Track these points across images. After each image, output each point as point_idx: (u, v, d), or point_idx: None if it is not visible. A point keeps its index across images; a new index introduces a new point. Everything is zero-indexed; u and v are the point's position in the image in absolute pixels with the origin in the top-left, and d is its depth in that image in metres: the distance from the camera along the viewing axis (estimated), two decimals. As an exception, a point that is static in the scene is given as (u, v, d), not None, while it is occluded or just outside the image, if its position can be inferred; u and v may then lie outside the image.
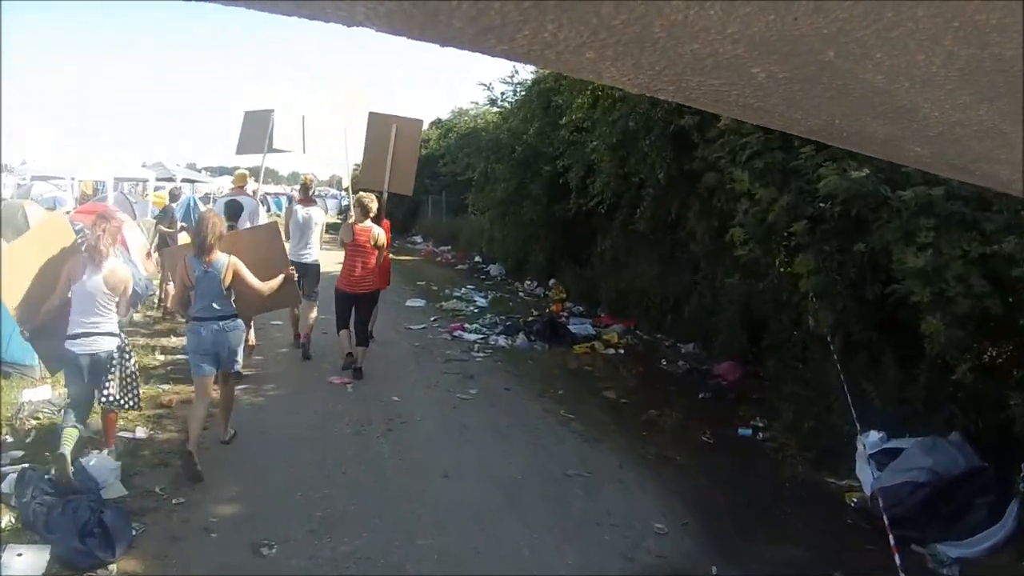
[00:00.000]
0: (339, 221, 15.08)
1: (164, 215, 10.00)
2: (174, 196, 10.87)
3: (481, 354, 8.01)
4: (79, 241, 4.47)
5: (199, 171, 40.28)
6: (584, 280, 11.12)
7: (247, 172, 9.08)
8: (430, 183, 22.17)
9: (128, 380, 4.38)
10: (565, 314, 10.15)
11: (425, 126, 24.50)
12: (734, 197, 6.00)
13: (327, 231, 8.88)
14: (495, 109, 16.02)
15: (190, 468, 4.31)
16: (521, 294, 12.47)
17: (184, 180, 21.60)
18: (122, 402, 4.36)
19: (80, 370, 4.08)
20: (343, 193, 35.16)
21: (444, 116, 25.02)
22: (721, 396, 6.69)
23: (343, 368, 6.87)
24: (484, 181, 13.61)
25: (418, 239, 23.06)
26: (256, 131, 9.24)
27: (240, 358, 4.63)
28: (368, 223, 6.62)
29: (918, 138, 0.92)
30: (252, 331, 5.72)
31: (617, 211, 9.14)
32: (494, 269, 14.82)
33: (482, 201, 14.28)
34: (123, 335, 4.42)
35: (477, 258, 16.65)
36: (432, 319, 9.80)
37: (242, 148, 9.57)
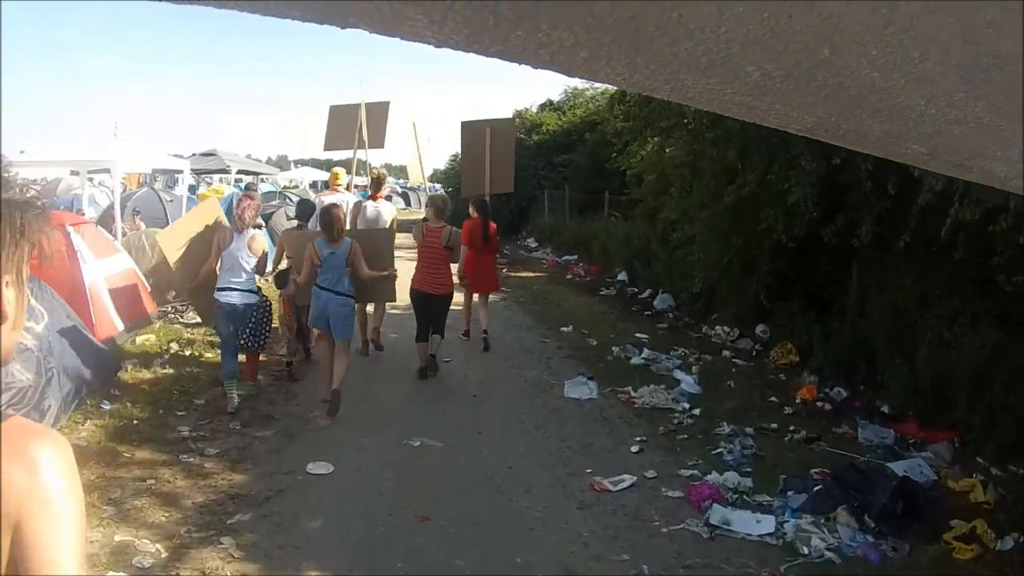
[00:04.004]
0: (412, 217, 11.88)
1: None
2: (250, 188, 9.00)
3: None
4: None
5: (292, 164, 38.64)
6: (831, 337, 6.86)
7: (341, 170, 8.77)
8: (545, 175, 18.02)
9: (261, 328, 5.74)
10: (822, 402, 6.18)
11: (534, 109, 22.62)
12: None
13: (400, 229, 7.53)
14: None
15: (333, 407, 5.33)
16: (725, 353, 7.71)
17: (240, 172, 17.84)
18: (254, 345, 5.72)
19: (223, 315, 5.34)
20: (406, 183, 33.69)
21: (555, 98, 21.10)
22: None
23: (418, 377, 6.32)
24: (690, 174, 8.47)
25: (532, 243, 18.13)
26: (343, 126, 8.97)
27: (348, 332, 5.50)
28: (441, 223, 6.53)
29: (915, 135, 0.92)
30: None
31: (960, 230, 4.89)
32: (660, 301, 10.31)
33: (684, 203, 8.84)
34: (261, 293, 5.68)
35: (622, 276, 12.08)
36: (635, 449, 5.05)
37: (329, 144, 9.32)
